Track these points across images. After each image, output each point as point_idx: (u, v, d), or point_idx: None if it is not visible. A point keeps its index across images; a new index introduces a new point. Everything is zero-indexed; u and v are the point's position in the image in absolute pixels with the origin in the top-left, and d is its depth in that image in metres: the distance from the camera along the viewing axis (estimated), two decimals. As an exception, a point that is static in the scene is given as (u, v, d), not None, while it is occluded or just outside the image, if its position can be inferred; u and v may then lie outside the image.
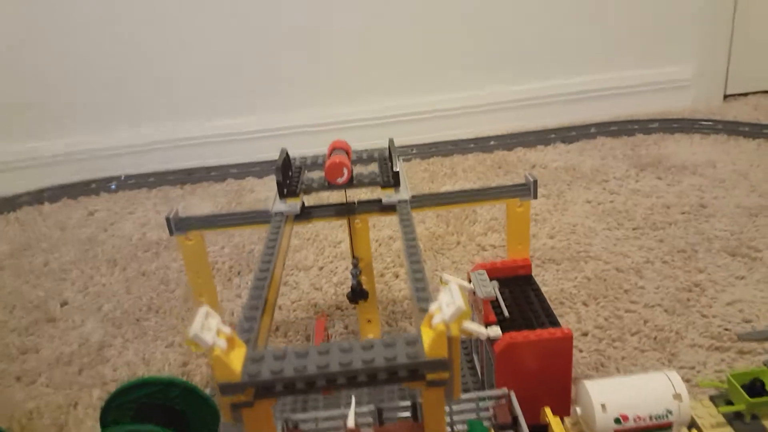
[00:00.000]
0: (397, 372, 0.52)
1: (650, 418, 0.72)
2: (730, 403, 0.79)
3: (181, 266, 1.54)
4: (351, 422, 0.77)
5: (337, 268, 1.45)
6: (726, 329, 1.11)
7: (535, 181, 0.97)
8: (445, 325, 0.48)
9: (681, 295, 1.21)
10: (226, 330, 0.49)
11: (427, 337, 0.50)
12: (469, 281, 0.99)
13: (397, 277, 1.39)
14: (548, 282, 1.30)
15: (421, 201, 1.00)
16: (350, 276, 1.00)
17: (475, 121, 2.30)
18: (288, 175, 0.94)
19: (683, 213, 1.54)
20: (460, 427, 0.80)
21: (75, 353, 1.23)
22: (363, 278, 1.01)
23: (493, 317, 0.91)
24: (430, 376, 0.50)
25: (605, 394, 0.73)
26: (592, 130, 2.16)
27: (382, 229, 1.61)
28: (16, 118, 2.23)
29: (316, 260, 1.48)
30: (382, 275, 1.40)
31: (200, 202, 1.97)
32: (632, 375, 0.77)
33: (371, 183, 0.92)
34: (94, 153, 2.26)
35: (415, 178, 1.93)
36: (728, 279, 1.25)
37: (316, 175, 0.96)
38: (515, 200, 0.99)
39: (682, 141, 1.99)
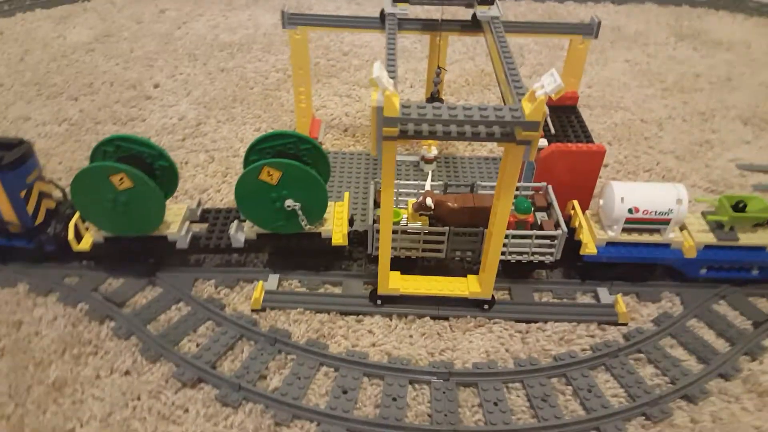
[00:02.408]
0: (494, 134, 0.74)
1: (655, 213, 0.96)
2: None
3: (256, 67, 1.72)
4: (428, 186, 1.02)
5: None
6: (723, 178, 1.33)
7: (599, 23, 1.14)
8: (547, 96, 0.68)
9: (693, 148, 1.43)
10: (392, 81, 0.70)
11: (526, 107, 0.70)
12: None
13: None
14: (581, 122, 1.50)
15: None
16: (433, 83, 1.19)
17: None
18: None
19: (710, 83, 1.70)
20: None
21: (176, 125, 1.46)
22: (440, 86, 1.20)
23: (541, 131, 1.12)
24: (522, 135, 0.72)
25: (625, 190, 0.96)
26: (642, -5, 2.23)
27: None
28: None
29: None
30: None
31: (264, 13, 2.09)
32: (647, 182, 1.00)
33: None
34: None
35: (469, 19, 2.04)
36: (735, 141, 1.46)
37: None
38: (579, 37, 1.16)
39: (725, 18, 2.09)
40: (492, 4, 1.05)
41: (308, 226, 0.96)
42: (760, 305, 1.03)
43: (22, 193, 0.98)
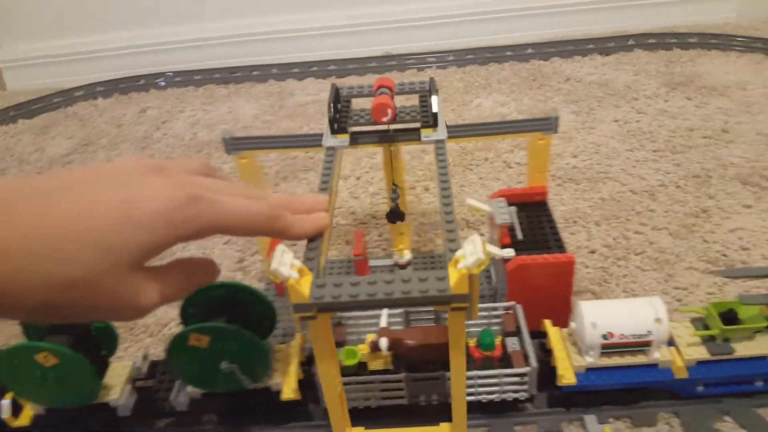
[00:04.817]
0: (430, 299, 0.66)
1: (633, 336, 0.86)
2: (707, 327, 0.92)
3: (231, 168, 1.68)
4: (383, 323, 0.94)
5: (372, 178, 1.57)
6: (723, 255, 1.23)
7: (557, 117, 1.06)
8: (467, 270, 0.60)
9: (688, 221, 1.32)
10: (297, 263, 0.63)
11: (452, 275, 0.63)
12: (492, 205, 1.12)
13: (426, 190, 1.51)
14: (566, 201, 1.41)
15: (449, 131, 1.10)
16: (390, 199, 1.12)
17: (513, 26, 2.31)
18: (337, 110, 1.00)
19: (704, 137, 1.60)
20: (474, 329, 0.97)
21: (144, 246, 1.41)
22: (400, 201, 1.13)
23: (507, 239, 1.04)
24: (453, 305, 0.64)
25: (596, 314, 0.87)
26: (630, 41, 2.15)
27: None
28: (64, 12, 2.31)
29: (354, 170, 1.61)
30: (413, 188, 1.52)
31: (245, 103, 2.07)
32: (621, 299, 0.91)
33: (412, 121, 0.99)
34: (141, 48, 2.35)
35: (449, 89, 1.98)
36: (735, 207, 1.35)
37: (363, 102, 1.02)
38: (538, 134, 1.08)
39: (718, 59, 1.99)
40: (435, 126, 0.97)
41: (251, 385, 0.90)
42: (772, 418, 0.92)
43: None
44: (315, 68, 2.22)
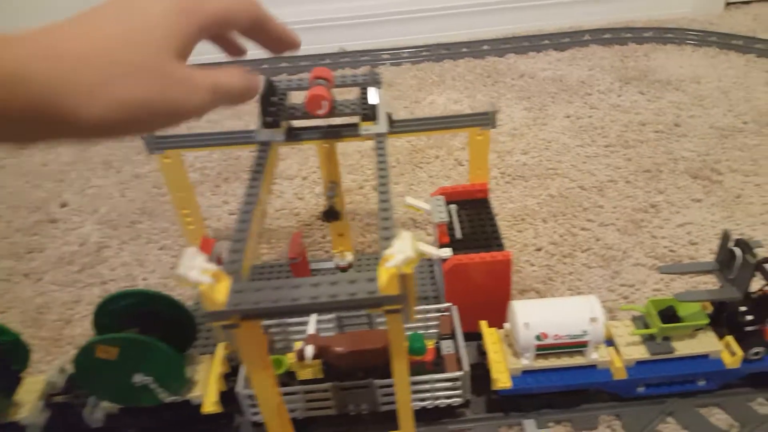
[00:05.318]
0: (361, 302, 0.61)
1: (568, 336, 0.83)
2: (647, 326, 0.89)
3: (152, 169, 1.61)
4: (311, 330, 0.89)
5: (320, 178, 1.52)
6: (671, 250, 1.20)
7: (495, 112, 1.02)
8: (397, 269, 0.56)
9: (636, 216, 1.29)
10: (211, 267, 0.57)
11: (382, 275, 0.58)
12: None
13: (375, 189, 1.46)
14: (514, 198, 1.37)
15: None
16: (327, 198, 1.07)
17: (469, 22, 2.27)
18: (271, 103, 0.94)
19: (656, 132, 1.58)
20: (407, 333, 0.92)
21: (76, 253, 1.34)
22: (336, 200, 1.08)
23: (446, 238, 1.00)
24: (386, 307, 0.59)
25: (529, 314, 0.83)
26: (586, 37, 2.13)
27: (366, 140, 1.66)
28: (19, 15, 2.21)
29: (300, 170, 1.56)
30: (361, 187, 1.48)
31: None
32: (557, 298, 0.87)
33: (351, 114, 0.94)
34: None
35: (402, 86, 1.94)
36: (684, 201, 1.33)
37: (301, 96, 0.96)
38: (476, 129, 1.04)
39: (673, 53, 1.98)
40: (375, 119, 0.92)
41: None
42: (714, 418, 0.89)
43: None
44: (265, 66, 2.15)
